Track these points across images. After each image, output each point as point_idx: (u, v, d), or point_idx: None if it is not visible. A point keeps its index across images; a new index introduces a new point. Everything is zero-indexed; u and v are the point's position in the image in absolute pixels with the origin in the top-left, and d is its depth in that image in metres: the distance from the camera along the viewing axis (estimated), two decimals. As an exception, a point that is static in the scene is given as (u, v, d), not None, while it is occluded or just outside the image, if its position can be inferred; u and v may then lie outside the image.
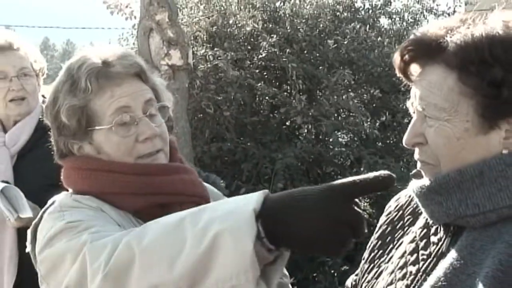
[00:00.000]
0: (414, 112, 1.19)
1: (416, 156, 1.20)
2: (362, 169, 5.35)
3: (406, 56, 1.18)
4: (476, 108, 1.09)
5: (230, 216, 0.98)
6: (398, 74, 1.23)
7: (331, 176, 5.97)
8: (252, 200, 0.98)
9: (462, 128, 1.11)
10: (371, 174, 0.95)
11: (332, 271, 5.27)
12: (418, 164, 1.20)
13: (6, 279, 2.21)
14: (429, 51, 1.14)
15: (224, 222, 0.97)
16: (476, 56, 1.08)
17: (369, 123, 5.36)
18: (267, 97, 5.70)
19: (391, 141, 5.97)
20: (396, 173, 5.12)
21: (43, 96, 2.48)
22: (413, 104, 1.18)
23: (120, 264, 1.07)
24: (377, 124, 6.14)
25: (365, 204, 6.40)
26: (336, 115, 5.75)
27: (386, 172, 0.95)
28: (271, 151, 5.30)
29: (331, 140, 5.64)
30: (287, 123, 5.91)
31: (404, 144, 1.20)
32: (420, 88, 1.16)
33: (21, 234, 2.24)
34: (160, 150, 1.43)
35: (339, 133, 5.78)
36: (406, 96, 5.85)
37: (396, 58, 1.20)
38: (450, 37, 1.12)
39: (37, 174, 2.21)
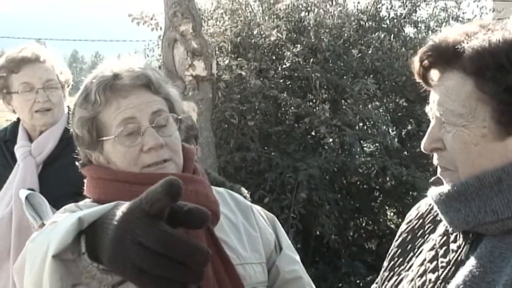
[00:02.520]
0: (432, 118, 1.19)
1: (435, 161, 1.19)
2: (387, 179, 5.31)
3: (425, 62, 1.18)
4: (492, 114, 1.09)
5: (63, 222, 0.97)
6: (418, 80, 1.22)
7: (356, 186, 5.94)
8: (87, 211, 0.95)
9: (479, 134, 1.10)
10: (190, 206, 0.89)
11: (357, 281, 5.23)
12: (438, 170, 1.19)
13: None
14: (447, 56, 1.13)
15: (58, 227, 0.98)
16: (492, 61, 1.07)
17: (394, 132, 5.32)
18: (291, 107, 5.70)
19: (417, 151, 5.91)
20: (421, 183, 5.09)
21: (68, 107, 2.52)
22: (432, 109, 1.18)
23: (18, 260, 1.13)
24: (403, 133, 6.10)
25: (391, 214, 6.34)
26: (361, 124, 5.73)
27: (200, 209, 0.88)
28: (295, 160, 5.30)
29: (353, 150, 5.62)
30: (312, 133, 5.90)
31: (422, 149, 1.20)
32: (439, 93, 1.15)
33: None
34: (168, 160, 1.44)
35: (364, 142, 5.75)
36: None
37: (415, 64, 1.20)
38: (467, 43, 1.11)
39: (62, 182, 2.25)
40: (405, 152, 5.85)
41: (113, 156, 1.44)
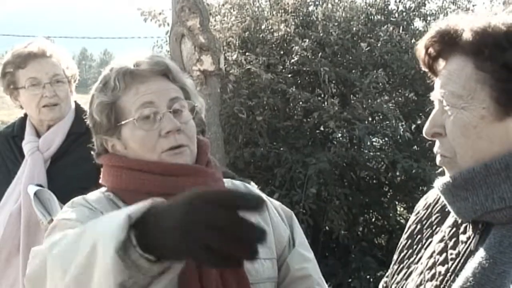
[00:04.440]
0: (435, 104, 1.18)
1: (436, 149, 1.19)
2: (397, 173, 5.28)
3: (431, 49, 1.17)
4: (491, 94, 1.08)
5: (108, 222, 1.00)
6: (423, 68, 1.21)
7: (365, 180, 5.92)
8: (132, 208, 0.97)
9: (478, 116, 1.09)
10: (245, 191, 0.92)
11: (368, 276, 5.21)
12: (437, 158, 1.19)
13: None
14: (450, 40, 1.13)
15: (102, 228, 1.00)
16: (491, 40, 1.08)
17: (403, 126, 5.29)
18: (299, 102, 5.68)
19: (427, 145, 5.88)
20: (432, 177, 5.03)
21: (75, 102, 2.52)
22: (435, 94, 1.17)
23: (34, 269, 1.18)
24: (412, 127, 6.06)
25: (401, 209, 6.31)
26: (370, 118, 5.70)
27: (258, 195, 0.93)
28: (304, 155, 5.28)
29: (363, 144, 5.59)
30: (320, 128, 5.87)
31: (424, 134, 1.20)
32: (441, 77, 1.15)
33: None
34: (184, 146, 1.47)
35: (373, 137, 5.72)
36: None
37: (420, 52, 1.19)
38: (469, 25, 1.11)
39: (70, 178, 2.25)
40: (415, 146, 5.82)
41: (132, 141, 1.47)
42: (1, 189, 2.38)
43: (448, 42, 1.14)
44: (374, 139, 5.71)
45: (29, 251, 2.26)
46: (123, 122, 1.46)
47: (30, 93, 2.37)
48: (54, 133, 2.40)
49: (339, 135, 5.62)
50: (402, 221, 6.07)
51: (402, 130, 5.05)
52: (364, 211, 5.99)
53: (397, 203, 6.13)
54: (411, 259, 1.29)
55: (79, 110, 2.48)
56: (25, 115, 2.50)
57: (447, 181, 1.15)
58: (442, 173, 1.21)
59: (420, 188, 5.43)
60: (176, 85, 1.51)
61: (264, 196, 1.64)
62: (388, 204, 5.92)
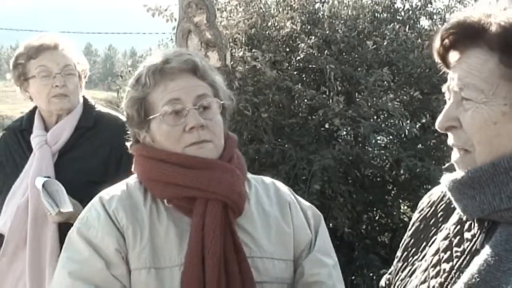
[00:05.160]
0: (449, 98, 1.16)
1: (450, 141, 1.16)
2: (401, 171, 5.28)
3: (446, 41, 1.14)
4: None
5: None
6: (436, 59, 1.19)
7: (369, 178, 5.91)
8: None
9: (499, 112, 1.07)
10: None
11: (371, 274, 5.22)
12: (454, 151, 1.16)
13: (47, 274, 2.26)
14: (471, 33, 1.10)
15: None
16: None
17: (408, 124, 5.28)
18: (304, 99, 5.68)
19: (431, 143, 5.87)
20: (436, 176, 5.03)
21: (84, 97, 2.54)
22: (450, 87, 1.14)
23: None
24: (417, 125, 6.05)
25: (405, 207, 6.31)
26: (375, 117, 5.70)
27: None
28: (309, 153, 5.28)
29: (368, 142, 5.59)
30: (325, 125, 5.87)
31: (436, 127, 1.17)
32: (459, 70, 1.12)
33: (62, 229, 2.29)
34: (208, 141, 1.54)
35: (378, 135, 5.72)
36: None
37: (436, 42, 1.16)
38: (495, 18, 1.09)
39: (78, 171, 2.27)
40: (420, 145, 5.81)
41: (158, 134, 1.55)
42: (9, 182, 2.39)
43: (469, 35, 1.11)
44: (378, 137, 5.70)
45: (36, 244, 2.31)
46: (151, 117, 1.55)
47: (41, 83, 2.39)
48: (62, 127, 2.42)
49: (344, 132, 5.62)
50: (406, 219, 6.07)
51: (407, 128, 5.03)
52: (367, 209, 5.99)
53: (401, 201, 6.13)
54: (415, 257, 1.29)
55: (86, 105, 2.50)
56: (34, 109, 2.52)
57: (455, 178, 1.14)
58: (449, 169, 1.20)
59: (424, 186, 5.42)
60: (205, 82, 1.58)
61: (293, 197, 1.70)
62: (392, 202, 5.91)
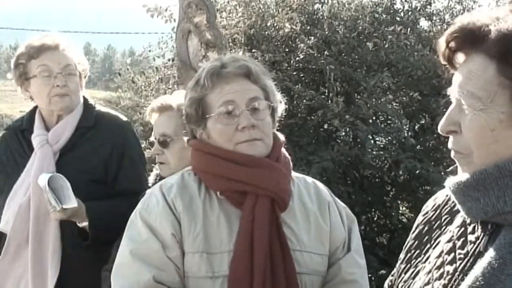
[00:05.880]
0: (452, 100, 1.17)
1: (450, 145, 1.18)
2: (400, 172, 5.28)
3: (452, 43, 1.14)
4: None
5: None
6: (442, 62, 1.19)
7: (368, 179, 5.91)
8: None
9: (496, 119, 1.08)
10: None
11: (369, 275, 5.21)
12: (452, 153, 1.18)
13: (49, 273, 2.26)
14: (472, 38, 1.11)
15: None
16: None
17: (407, 126, 5.28)
18: (304, 100, 5.68)
19: (430, 145, 5.87)
20: (435, 177, 5.05)
21: (84, 97, 2.54)
22: (453, 91, 1.16)
23: None
24: (416, 127, 6.05)
25: (404, 208, 6.31)
26: (374, 118, 5.69)
27: None
28: (308, 153, 5.28)
29: (366, 143, 5.59)
30: (324, 126, 5.87)
31: (439, 130, 1.19)
32: (461, 75, 1.13)
33: (63, 228, 2.29)
34: (258, 140, 1.68)
35: (377, 136, 5.72)
36: (446, 99, 5.77)
37: (441, 45, 1.17)
38: (495, 25, 1.09)
39: (79, 170, 2.28)
40: (419, 146, 5.81)
41: (213, 132, 1.70)
42: (11, 182, 2.39)
43: (471, 40, 1.11)
44: (377, 138, 5.71)
45: (38, 243, 2.32)
46: (208, 116, 1.70)
47: (42, 83, 2.40)
48: (63, 127, 2.44)
49: (343, 133, 5.62)
50: (404, 220, 6.08)
51: (406, 130, 5.03)
52: (366, 209, 5.99)
53: (399, 202, 6.13)
54: (419, 259, 1.30)
55: (87, 104, 2.51)
56: (34, 108, 2.52)
57: (459, 180, 1.15)
58: (453, 172, 1.21)
59: (423, 187, 5.42)
60: (257, 85, 1.72)
61: (330, 197, 1.84)
62: (390, 203, 5.92)
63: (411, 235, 1.39)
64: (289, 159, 1.79)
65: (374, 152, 5.55)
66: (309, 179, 1.85)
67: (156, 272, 1.59)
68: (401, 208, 6.26)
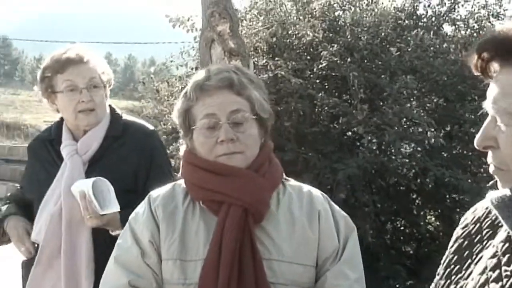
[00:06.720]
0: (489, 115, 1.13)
1: (489, 159, 1.13)
2: (427, 180, 5.19)
3: (485, 54, 1.10)
4: None
5: None
6: (475, 72, 1.15)
7: (394, 187, 5.83)
8: None
9: None
10: None
11: (397, 285, 5.14)
12: (491, 168, 1.14)
13: (83, 283, 2.26)
14: (504, 51, 1.06)
15: None
16: None
17: (434, 132, 5.20)
18: (326, 107, 5.64)
19: (457, 152, 5.78)
20: (464, 185, 4.95)
21: (110, 106, 2.54)
22: (487, 105, 1.11)
23: None
24: (441, 133, 5.96)
25: (430, 217, 6.21)
26: (398, 125, 5.62)
27: None
28: (332, 161, 5.23)
29: (393, 150, 5.52)
30: (347, 134, 5.82)
31: (475, 145, 1.14)
32: (494, 89, 1.09)
33: (96, 237, 2.30)
34: (238, 153, 1.68)
35: (402, 143, 5.64)
36: (473, 105, 5.68)
37: (473, 56, 1.13)
38: None
39: (109, 180, 2.27)
40: (445, 153, 5.71)
41: (197, 143, 1.73)
42: (42, 190, 2.40)
43: (504, 50, 1.07)
44: (402, 145, 5.63)
45: (71, 253, 2.33)
46: (193, 128, 1.73)
47: (68, 98, 2.41)
48: (91, 137, 2.45)
49: (367, 141, 5.55)
50: (432, 229, 5.98)
51: (434, 136, 4.95)
52: (391, 218, 5.91)
53: (427, 211, 6.03)
54: (459, 275, 1.24)
55: (114, 114, 2.53)
56: (61, 119, 2.53)
57: (503, 194, 1.10)
58: (494, 187, 1.16)
59: (451, 195, 5.33)
60: (241, 97, 1.71)
61: (327, 205, 1.78)
62: (417, 212, 5.83)
63: (450, 249, 1.34)
64: (278, 168, 1.79)
65: (399, 160, 5.47)
66: (306, 187, 1.81)
67: (132, 277, 1.65)
68: (427, 217, 6.16)
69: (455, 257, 1.29)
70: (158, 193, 1.78)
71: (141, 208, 1.77)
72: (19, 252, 2.42)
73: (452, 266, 1.28)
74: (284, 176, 1.84)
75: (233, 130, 1.68)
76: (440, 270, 1.32)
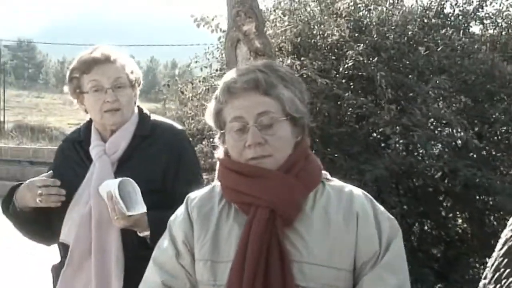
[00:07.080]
0: None
1: None
2: (457, 181, 5.08)
3: None
4: None
5: None
6: None
7: (422, 189, 5.73)
8: None
9: None
10: None
11: (425, 289, 5.04)
12: None
13: (114, 284, 2.25)
14: None
15: None
16: None
17: (463, 133, 5.08)
18: (351, 108, 5.57)
19: (487, 152, 5.66)
20: (495, 186, 4.84)
21: (138, 106, 2.53)
22: None
23: None
24: (470, 134, 5.85)
25: (458, 219, 6.09)
26: (426, 125, 5.52)
27: None
28: (359, 162, 5.16)
29: (421, 151, 5.41)
30: (373, 134, 5.74)
31: None
32: None
33: (125, 238, 2.29)
34: (267, 156, 1.66)
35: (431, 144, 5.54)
36: (503, 104, 5.52)
37: None
38: None
39: (137, 180, 2.26)
40: (474, 154, 5.59)
41: (228, 146, 1.73)
42: (72, 190, 2.40)
43: None
44: (433, 147, 5.52)
45: (102, 254, 2.33)
46: (223, 131, 1.73)
47: (93, 98, 2.42)
48: (119, 137, 2.44)
49: (394, 142, 5.46)
50: (460, 231, 5.86)
51: (466, 137, 4.83)
52: (419, 220, 5.81)
53: (456, 213, 5.91)
54: (510, 279, 1.19)
55: (142, 114, 2.53)
56: (90, 120, 2.55)
57: None
58: None
59: (482, 197, 5.22)
60: (270, 97, 1.67)
61: (368, 207, 1.70)
62: (446, 214, 5.72)
63: (498, 252, 1.28)
64: (315, 166, 1.75)
65: (427, 161, 5.37)
66: (349, 187, 1.74)
67: (166, 277, 1.69)
68: (456, 219, 6.05)
69: (505, 261, 1.24)
70: (196, 194, 1.80)
71: (180, 210, 1.79)
72: (46, 199, 2.32)
73: (502, 270, 1.23)
74: (328, 175, 1.79)
75: (262, 132, 1.65)
76: (488, 273, 1.27)
